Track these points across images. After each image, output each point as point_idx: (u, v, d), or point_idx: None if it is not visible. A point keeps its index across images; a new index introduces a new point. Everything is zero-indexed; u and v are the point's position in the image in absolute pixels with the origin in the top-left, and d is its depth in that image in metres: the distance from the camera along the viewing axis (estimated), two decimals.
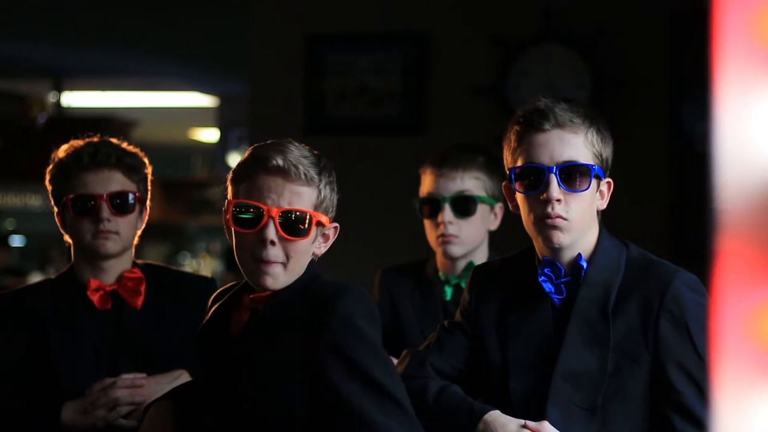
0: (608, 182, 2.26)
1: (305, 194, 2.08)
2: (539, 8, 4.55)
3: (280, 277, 2.08)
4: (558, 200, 2.17)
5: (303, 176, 2.07)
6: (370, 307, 2.07)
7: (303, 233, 2.08)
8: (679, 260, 2.36)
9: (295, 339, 2.06)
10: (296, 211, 2.07)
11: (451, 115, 4.65)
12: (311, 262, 2.17)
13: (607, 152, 2.24)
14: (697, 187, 4.35)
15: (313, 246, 2.14)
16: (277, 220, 2.05)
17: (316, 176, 2.09)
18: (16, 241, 11.48)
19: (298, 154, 2.09)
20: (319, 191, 2.10)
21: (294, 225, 2.06)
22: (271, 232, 2.05)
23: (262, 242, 2.05)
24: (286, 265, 2.08)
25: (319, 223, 2.11)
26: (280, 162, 2.06)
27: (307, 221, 2.08)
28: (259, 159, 2.08)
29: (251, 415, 2.07)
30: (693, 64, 4.40)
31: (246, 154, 2.14)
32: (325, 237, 2.17)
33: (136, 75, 9.26)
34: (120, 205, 2.66)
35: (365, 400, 1.98)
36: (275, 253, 2.06)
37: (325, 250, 2.18)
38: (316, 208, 2.10)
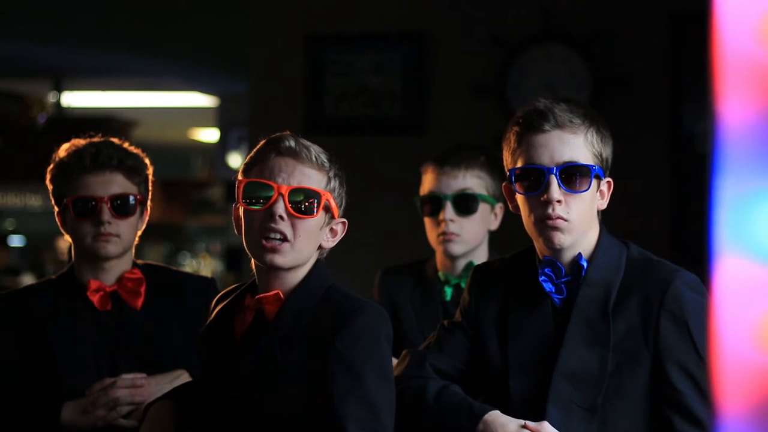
0: (608, 182, 2.26)
1: (315, 177, 2.12)
2: (539, 8, 4.55)
3: (286, 253, 2.09)
4: (558, 201, 2.17)
5: (314, 159, 2.12)
6: (387, 328, 2.10)
7: (311, 211, 2.10)
8: (679, 260, 2.36)
9: (306, 346, 2.07)
10: (305, 188, 2.10)
11: (451, 115, 4.65)
12: (322, 267, 2.17)
13: (607, 152, 2.24)
14: (697, 187, 4.35)
15: (321, 233, 2.15)
16: (287, 198, 2.09)
17: (327, 162, 2.14)
18: (16, 241, 11.47)
19: (310, 143, 2.15)
20: (329, 178, 2.14)
21: (303, 203, 2.10)
22: (280, 208, 2.08)
23: (271, 217, 2.08)
24: (292, 244, 2.10)
25: (328, 207, 2.13)
26: (292, 143, 2.12)
27: (315, 199, 2.11)
28: (271, 142, 2.14)
29: (254, 415, 2.07)
30: (693, 64, 4.40)
31: (260, 144, 2.18)
32: (333, 232, 2.18)
33: (136, 75, 9.26)
34: (121, 207, 2.66)
35: (358, 420, 2.00)
36: (283, 228, 2.08)
37: (333, 245, 2.19)
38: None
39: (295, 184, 2.10)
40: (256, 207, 2.10)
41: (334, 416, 2.00)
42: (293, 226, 2.09)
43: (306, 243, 2.11)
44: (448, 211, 2.92)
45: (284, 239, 2.09)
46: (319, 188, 2.12)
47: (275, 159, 2.12)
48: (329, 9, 4.80)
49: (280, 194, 2.08)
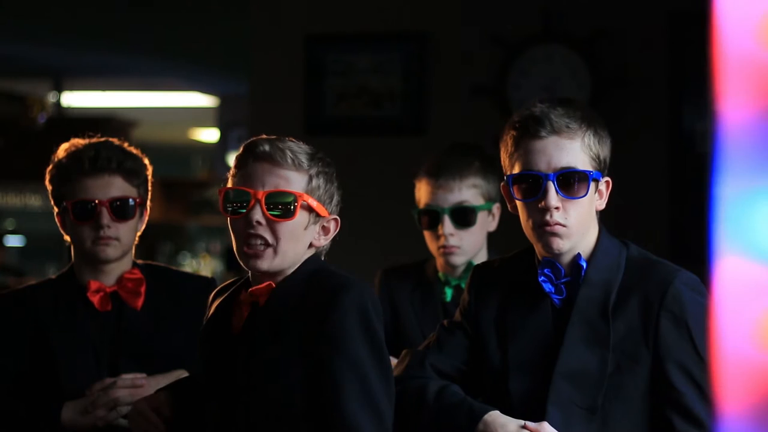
0: (607, 181, 2.26)
1: (294, 179, 2.13)
2: (539, 8, 4.55)
3: (268, 258, 2.11)
4: (557, 208, 2.16)
5: (290, 161, 2.12)
6: (374, 302, 2.10)
7: (289, 214, 2.11)
8: (679, 260, 2.36)
9: (296, 330, 2.08)
10: (281, 192, 2.11)
11: (451, 115, 4.65)
12: (315, 256, 2.18)
13: (605, 152, 2.24)
14: (697, 187, 4.35)
15: (307, 233, 2.15)
16: (264, 203, 2.10)
17: (305, 162, 2.14)
18: (17, 241, 11.46)
19: (289, 143, 2.15)
20: (310, 177, 2.14)
21: (280, 206, 2.11)
22: (257, 214, 2.10)
23: (250, 223, 2.09)
24: (275, 248, 2.11)
25: (309, 207, 2.13)
26: (267, 148, 2.12)
27: (292, 202, 2.11)
28: (248, 148, 2.16)
29: (253, 406, 2.08)
30: (693, 64, 4.40)
31: (240, 149, 2.20)
32: (325, 230, 2.18)
33: (136, 75, 9.26)
34: (120, 210, 2.66)
35: (355, 401, 2.01)
36: (263, 233, 2.10)
37: (326, 242, 2.19)
38: (307, 194, 2.13)
39: (271, 188, 2.11)
40: (237, 213, 2.13)
41: (329, 396, 2.02)
42: (273, 231, 2.11)
43: (289, 245, 2.12)
44: (447, 226, 2.90)
45: (266, 244, 2.10)
46: (298, 190, 2.12)
47: (252, 165, 2.14)
48: (329, 9, 4.80)
49: (257, 200, 2.10)
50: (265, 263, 2.11)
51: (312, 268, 2.15)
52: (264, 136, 2.17)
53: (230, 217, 2.14)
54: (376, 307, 2.10)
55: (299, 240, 2.14)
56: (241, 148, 2.18)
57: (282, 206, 2.11)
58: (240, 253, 2.13)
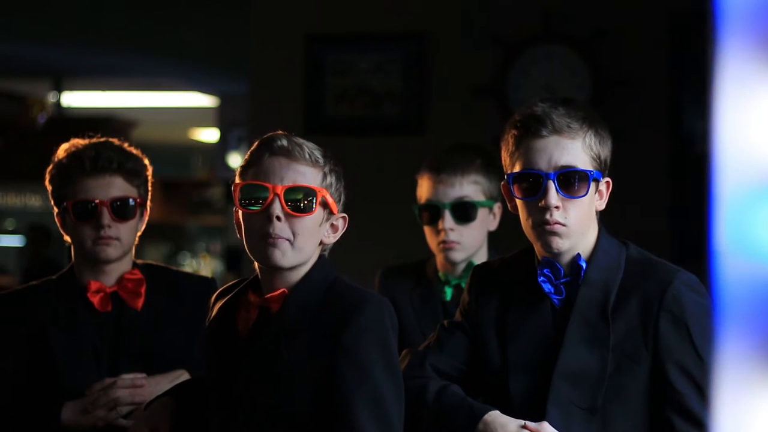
0: (607, 182, 2.26)
1: (310, 174, 2.13)
2: (539, 8, 4.55)
3: (287, 253, 2.10)
4: (557, 207, 2.16)
5: (307, 156, 2.12)
6: (392, 318, 2.10)
7: (308, 209, 2.11)
8: (679, 260, 2.36)
9: (309, 340, 2.08)
10: (300, 187, 2.11)
11: (451, 115, 4.65)
12: (325, 261, 2.17)
13: (606, 153, 2.24)
14: (697, 187, 4.35)
15: (321, 230, 2.15)
16: (283, 197, 2.09)
17: (321, 158, 2.14)
18: (17, 241, 11.47)
19: (303, 140, 2.15)
20: (325, 174, 2.14)
21: (299, 201, 2.10)
22: (277, 208, 2.09)
23: (269, 218, 2.08)
24: (293, 243, 2.10)
25: (325, 203, 2.13)
26: (285, 143, 2.12)
27: (311, 197, 2.11)
28: (264, 143, 2.15)
29: (259, 412, 2.08)
30: (693, 64, 4.41)
31: (254, 145, 2.18)
32: (334, 228, 2.18)
33: (136, 75, 9.26)
34: (121, 210, 2.66)
35: (366, 415, 2.01)
36: (282, 228, 2.09)
37: (334, 240, 2.19)
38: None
39: (289, 183, 2.10)
40: (253, 209, 2.11)
41: (342, 412, 2.01)
42: (292, 226, 2.10)
43: (306, 241, 2.12)
44: (447, 221, 2.91)
45: (285, 239, 2.09)
46: (315, 185, 2.12)
47: (269, 159, 2.12)
48: (329, 9, 4.80)
49: (276, 194, 2.09)
50: (283, 258, 2.10)
51: (327, 277, 2.15)
52: (280, 132, 2.16)
53: (245, 213, 2.13)
54: (393, 322, 2.10)
55: (315, 236, 2.14)
56: (256, 144, 2.16)
57: (301, 201, 2.11)
58: (256, 248, 2.12)
